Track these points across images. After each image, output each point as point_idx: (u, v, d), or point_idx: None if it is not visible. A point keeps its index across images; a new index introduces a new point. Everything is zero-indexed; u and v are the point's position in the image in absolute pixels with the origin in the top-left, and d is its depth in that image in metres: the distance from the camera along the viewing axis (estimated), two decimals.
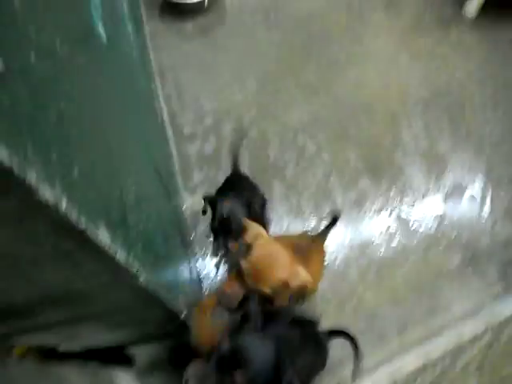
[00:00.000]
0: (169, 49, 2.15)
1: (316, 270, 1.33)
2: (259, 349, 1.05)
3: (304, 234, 1.51)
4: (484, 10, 2.21)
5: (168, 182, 1.63)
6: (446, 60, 2.16)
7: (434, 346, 1.53)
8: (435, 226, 1.78)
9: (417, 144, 1.95)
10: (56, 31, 0.66)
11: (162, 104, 1.99)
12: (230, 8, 2.29)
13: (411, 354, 1.52)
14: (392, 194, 1.84)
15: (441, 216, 1.80)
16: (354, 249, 1.72)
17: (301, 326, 1.22)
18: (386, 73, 2.12)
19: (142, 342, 1.31)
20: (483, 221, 1.80)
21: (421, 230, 1.77)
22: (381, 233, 1.76)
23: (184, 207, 1.77)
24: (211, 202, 1.45)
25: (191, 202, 1.78)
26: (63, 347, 1.16)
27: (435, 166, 1.90)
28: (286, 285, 1.15)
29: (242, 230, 1.23)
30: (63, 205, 0.50)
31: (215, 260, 1.68)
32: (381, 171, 1.88)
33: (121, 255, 0.68)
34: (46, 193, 0.47)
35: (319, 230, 1.45)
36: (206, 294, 1.61)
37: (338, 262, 1.69)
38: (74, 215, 0.53)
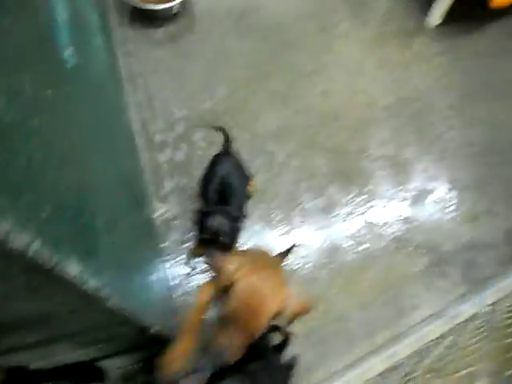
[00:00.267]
0: (138, 55, 2.13)
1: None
2: None
3: (265, 252, 1.37)
4: (446, 21, 2.29)
5: (138, 191, 1.62)
6: (410, 68, 2.22)
7: (401, 347, 1.58)
8: (402, 229, 1.83)
9: (384, 150, 2.00)
10: (22, 71, 0.64)
11: (133, 112, 1.97)
12: (199, 15, 2.30)
13: (380, 355, 1.56)
14: (360, 199, 1.88)
15: (407, 220, 1.85)
16: (323, 253, 1.75)
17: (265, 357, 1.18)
18: (353, 81, 2.17)
19: (113, 355, 1.30)
20: (448, 224, 1.86)
21: (388, 234, 1.82)
22: (350, 237, 1.80)
23: (155, 215, 1.76)
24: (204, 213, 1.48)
25: (162, 211, 1.78)
26: (34, 366, 1.14)
27: (401, 172, 1.96)
28: (278, 314, 1.01)
29: (218, 272, 1.04)
30: (34, 247, 0.50)
31: (189, 267, 1.69)
32: (349, 177, 1.92)
33: (91, 284, 0.66)
34: (18, 239, 0.47)
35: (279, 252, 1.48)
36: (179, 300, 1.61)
37: (307, 266, 1.71)
38: (45, 256, 0.52)
